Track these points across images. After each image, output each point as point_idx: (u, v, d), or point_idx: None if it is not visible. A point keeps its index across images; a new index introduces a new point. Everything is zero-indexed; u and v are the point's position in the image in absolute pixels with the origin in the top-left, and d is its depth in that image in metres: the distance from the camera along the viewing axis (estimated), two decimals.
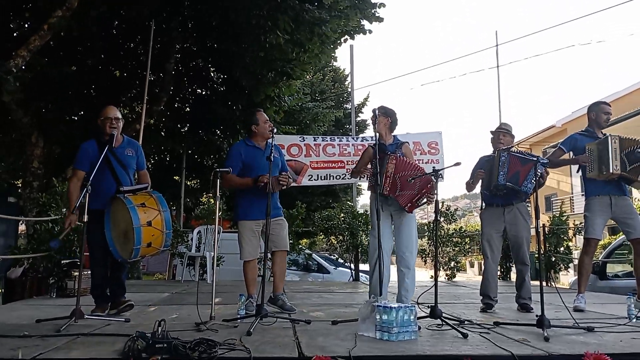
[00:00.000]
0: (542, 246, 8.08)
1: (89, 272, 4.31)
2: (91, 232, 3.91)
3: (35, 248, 5.95)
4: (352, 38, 10.27)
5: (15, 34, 9.09)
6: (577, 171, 4.94)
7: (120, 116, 4.26)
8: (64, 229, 4.10)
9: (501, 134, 4.87)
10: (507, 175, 4.48)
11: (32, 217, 7.40)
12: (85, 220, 3.66)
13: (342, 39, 10.19)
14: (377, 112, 4.43)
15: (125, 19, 9.57)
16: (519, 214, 4.72)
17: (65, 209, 6.26)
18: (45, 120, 9.63)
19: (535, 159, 4.28)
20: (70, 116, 10.89)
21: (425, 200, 4.27)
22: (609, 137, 4.52)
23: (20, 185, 10.92)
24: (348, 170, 7.75)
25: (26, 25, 9.14)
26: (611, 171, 4.45)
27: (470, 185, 4.99)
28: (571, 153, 4.93)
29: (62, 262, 5.61)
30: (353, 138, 9.12)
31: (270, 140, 4.30)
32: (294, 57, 9.40)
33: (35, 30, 7.30)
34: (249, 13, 8.13)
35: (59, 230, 5.95)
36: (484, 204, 4.96)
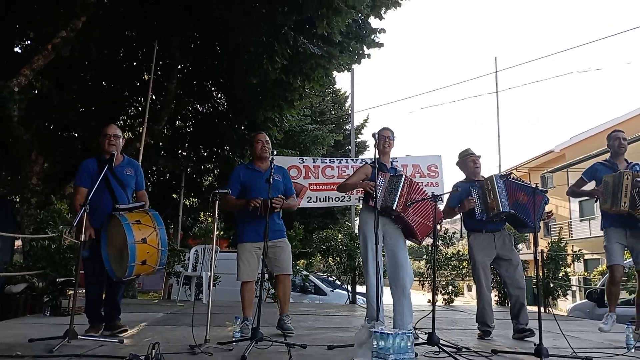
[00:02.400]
0: (540, 272, 8.04)
1: (84, 291, 4.28)
2: (89, 250, 3.89)
3: (31, 265, 5.92)
4: (349, 70, 10.44)
5: (17, 53, 9.18)
6: (596, 201, 4.94)
7: (119, 134, 4.29)
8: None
9: (475, 158, 4.87)
10: (508, 202, 4.47)
11: (29, 235, 7.37)
12: (82, 238, 3.65)
13: (344, 70, 10.34)
14: (392, 134, 4.50)
15: (128, 39, 9.68)
16: (507, 238, 4.73)
17: (62, 227, 6.27)
18: (46, 138, 9.67)
19: (531, 186, 4.29)
20: (70, 134, 10.94)
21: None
22: (623, 173, 4.53)
23: (18, 201, 10.89)
24: (347, 193, 7.75)
25: (27, 43, 9.24)
26: (620, 208, 4.47)
27: (451, 213, 4.87)
28: (593, 182, 4.93)
29: (58, 280, 5.57)
30: (352, 160, 9.15)
31: (296, 162, 4.35)
32: (297, 85, 9.48)
33: (39, 50, 7.37)
34: (248, 39, 8.24)
35: (56, 247, 5.94)
36: (465, 231, 4.88)
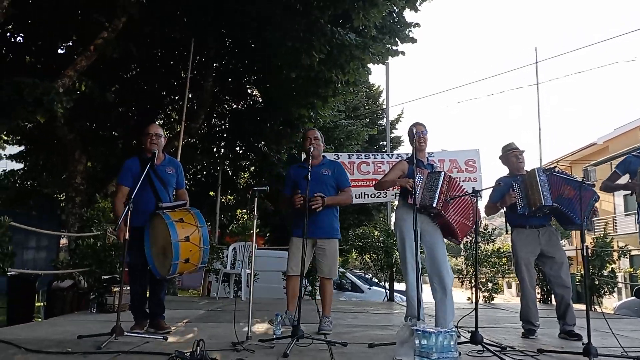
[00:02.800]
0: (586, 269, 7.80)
1: (129, 288, 4.39)
2: (131, 248, 3.99)
3: (77, 263, 6.10)
4: (383, 63, 10.29)
5: (61, 55, 9.47)
6: (631, 194, 4.74)
7: (161, 133, 4.37)
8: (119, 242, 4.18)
9: (518, 153, 4.75)
10: (551, 195, 4.34)
11: (74, 233, 7.60)
12: (127, 237, 3.74)
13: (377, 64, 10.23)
14: (425, 128, 4.41)
15: (165, 39, 9.86)
16: (553, 235, 4.59)
17: (106, 225, 6.44)
18: (88, 138, 9.96)
19: (577, 179, 4.15)
20: (111, 133, 11.24)
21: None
22: None
23: (63, 200, 11.28)
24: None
25: (70, 44, 9.51)
26: None
27: (494, 209, 4.78)
28: (628, 175, 4.75)
29: (103, 277, 5.73)
30: (388, 155, 9.07)
31: (331, 158, 4.38)
32: (332, 78, 9.43)
33: (82, 51, 7.57)
34: (285, 34, 8.24)
35: (102, 245, 6.11)
36: (509, 226, 4.79)
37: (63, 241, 10.85)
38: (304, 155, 5.23)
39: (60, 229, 10.22)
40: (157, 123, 11.43)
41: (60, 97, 6.43)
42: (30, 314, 6.39)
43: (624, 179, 4.74)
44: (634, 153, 4.77)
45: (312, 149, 4.38)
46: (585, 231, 4.00)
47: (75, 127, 9.17)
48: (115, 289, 5.34)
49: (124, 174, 4.23)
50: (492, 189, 4.71)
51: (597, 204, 4.32)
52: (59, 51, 9.64)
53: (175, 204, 4.15)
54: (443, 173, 4.22)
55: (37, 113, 6.45)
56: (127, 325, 3.96)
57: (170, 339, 3.77)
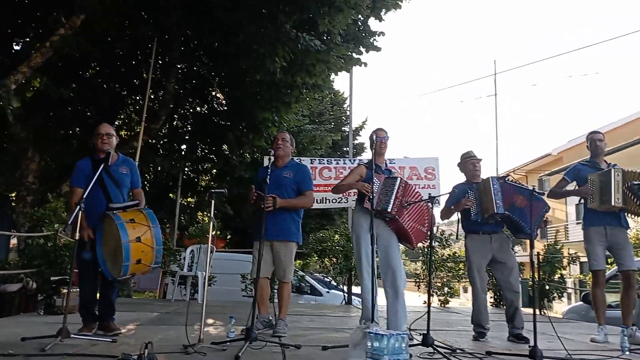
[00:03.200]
0: (536, 274, 8.05)
1: (78, 289, 4.26)
2: (84, 248, 3.88)
3: (26, 264, 5.89)
4: (347, 71, 10.39)
5: (17, 51, 9.16)
6: (580, 200, 4.93)
7: (113, 132, 4.29)
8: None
9: (475, 161, 4.88)
10: (503, 203, 4.48)
11: (24, 232, 7.34)
12: (77, 237, 3.64)
13: (340, 72, 10.30)
14: (386, 134, 4.48)
15: (128, 38, 9.67)
16: (505, 241, 4.73)
17: (58, 225, 6.25)
18: (43, 136, 9.64)
19: (528, 188, 4.30)
20: (67, 132, 10.91)
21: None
22: (612, 170, 4.53)
23: (14, 199, 10.86)
24: (344, 194, 7.73)
25: (27, 40, 9.21)
26: (612, 204, 4.46)
27: (449, 213, 4.90)
28: (575, 183, 4.93)
29: (52, 278, 5.55)
30: (350, 161, 9.14)
31: (297, 161, 4.42)
32: (296, 83, 9.44)
33: (38, 47, 7.36)
34: (250, 38, 8.22)
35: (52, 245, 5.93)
36: (463, 232, 4.91)
37: (13, 241, 10.46)
38: (266, 161, 5.25)
39: (11, 229, 9.85)
40: (116, 123, 11.23)
41: (10, 94, 6.21)
42: None
43: (572, 186, 4.94)
44: (582, 162, 4.98)
45: (271, 152, 4.40)
46: (538, 238, 4.14)
47: (29, 124, 8.86)
48: (64, 291, 5.18)
49: (76, 175, 4.14)
50: (448, 195, 4.82)
51: (550, 213, 4.49)
52: (16, 48, 9.33)
53: (126, 204, 4.06)
54: (399, 179, 4.29)
55: None
56: (76, 327, 3.86)
57: (119, 341, 3.68)
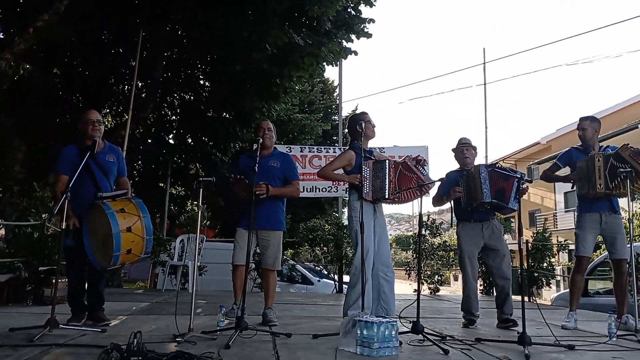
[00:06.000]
0: (525, 262, 8.12)
1: (67, 279, 4.22)
2: (69, 239, 3.84)
3: (13, 253, 5.83)
4: (336, 64, 10.36)
5: (0, 39, 8.99)
6: (572, 187, 4.94)
7: (101, 119, 4.23)
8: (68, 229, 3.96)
9: (464, 148, 4.90)
10: (490, 191, 4.48)
11: (12, 222, 7.26)
12: (64, 227, 3.59)
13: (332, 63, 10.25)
14: (372, 120, 4.52)
15: (114, 25, 9.52)
16: (496, 228, 4.75)
17: (45, 215, 6.17)
18: (29, 125, 9.49)
19: (516, 174, 4.31)
20: (54, 121, 10.76)
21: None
22: (594, 156, 4.55)
23: (0, 189, 10.73)
24: (334, 183, 7.73)
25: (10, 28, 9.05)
26: (597, 190, 4.48)
27: (440, 201, 4.93)
28: (568, 168, 4.94)
29: (40, 269, 5.50)
30: (340, 149, 9.12)
31: (282, 150, 4.39)
32: (283, 74, 9.37)
33: (21, 34, 7.21)
34: (239, 26, 8.13)
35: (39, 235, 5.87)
36: (455, 220, 4.91)
37: (1, 232, 10.36)
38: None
39: None
40: (103, 111, 11.09)
41: None
42: None
43: (565, 171, 4.95)
44: (575, 146, 4.97)
45: (260, 140, 4.36)
46: (527, 226, 4.16)
47: (15, 112, 8.73)
48: (53, 281, 5.14)
49: (61, 162, 4.04)
50: (439, 181, 4.82)
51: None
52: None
53: (116, 193, 4.01)
54: (387, 161, 4.32)
55: None
56: (64, 318, 3.83)
57: (109, 331, 3.66)
